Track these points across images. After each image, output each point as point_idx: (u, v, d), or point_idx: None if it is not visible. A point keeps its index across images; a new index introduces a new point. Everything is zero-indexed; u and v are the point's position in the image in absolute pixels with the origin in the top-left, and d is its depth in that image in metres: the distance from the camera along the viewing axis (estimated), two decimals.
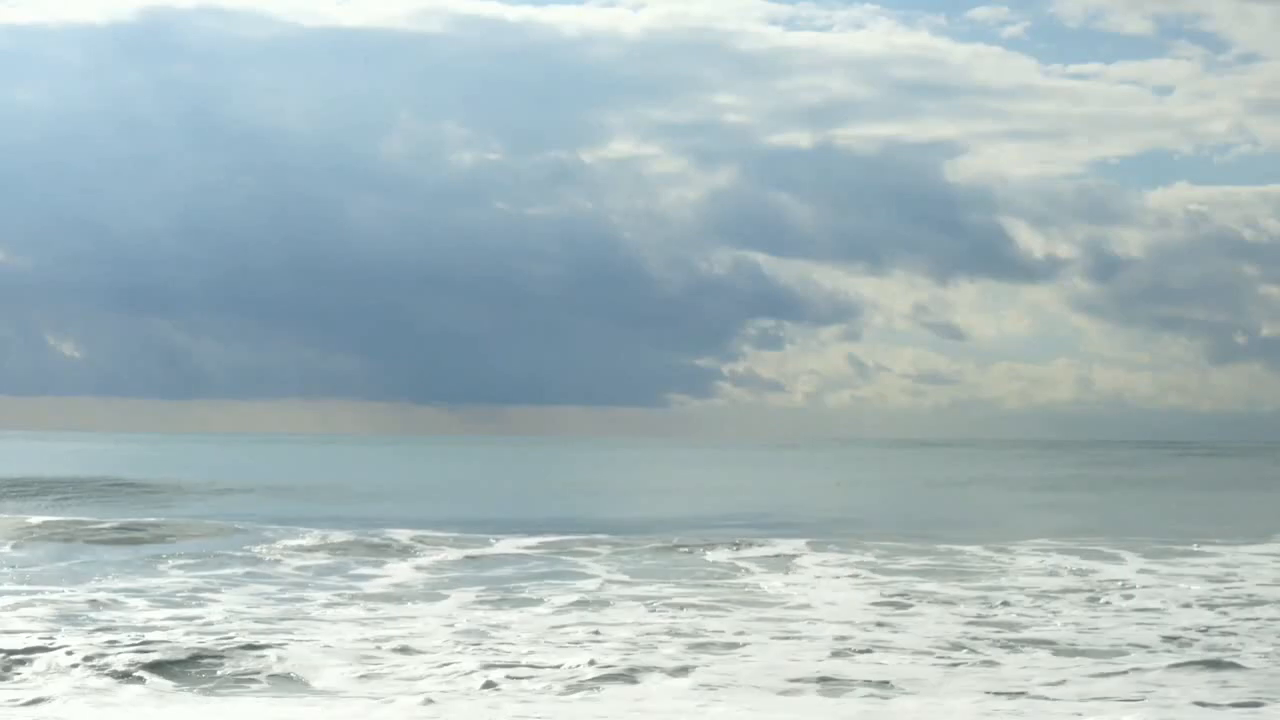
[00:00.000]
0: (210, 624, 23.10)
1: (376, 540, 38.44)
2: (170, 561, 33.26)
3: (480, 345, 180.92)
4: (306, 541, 38.27)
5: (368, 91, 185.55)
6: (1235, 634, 22.84)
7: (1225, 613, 25.44)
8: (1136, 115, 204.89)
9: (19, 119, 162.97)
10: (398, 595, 27.69)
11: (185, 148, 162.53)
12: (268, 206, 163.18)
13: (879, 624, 23.70)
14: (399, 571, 32.02)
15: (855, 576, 31.24)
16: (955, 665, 19.96)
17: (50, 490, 64.29)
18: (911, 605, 26.14)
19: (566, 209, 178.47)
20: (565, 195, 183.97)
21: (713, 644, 21.48)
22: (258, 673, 19.20)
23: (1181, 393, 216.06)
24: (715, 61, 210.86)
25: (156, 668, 19.19)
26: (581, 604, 26.18)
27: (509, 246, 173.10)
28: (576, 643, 21.44)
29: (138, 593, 27.24)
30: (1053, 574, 31.74)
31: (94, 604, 25.43)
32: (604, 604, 26.18)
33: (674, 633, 22.48)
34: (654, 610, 25.23)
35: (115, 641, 20.87)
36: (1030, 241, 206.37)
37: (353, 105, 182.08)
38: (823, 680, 18.74)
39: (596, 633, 22.39)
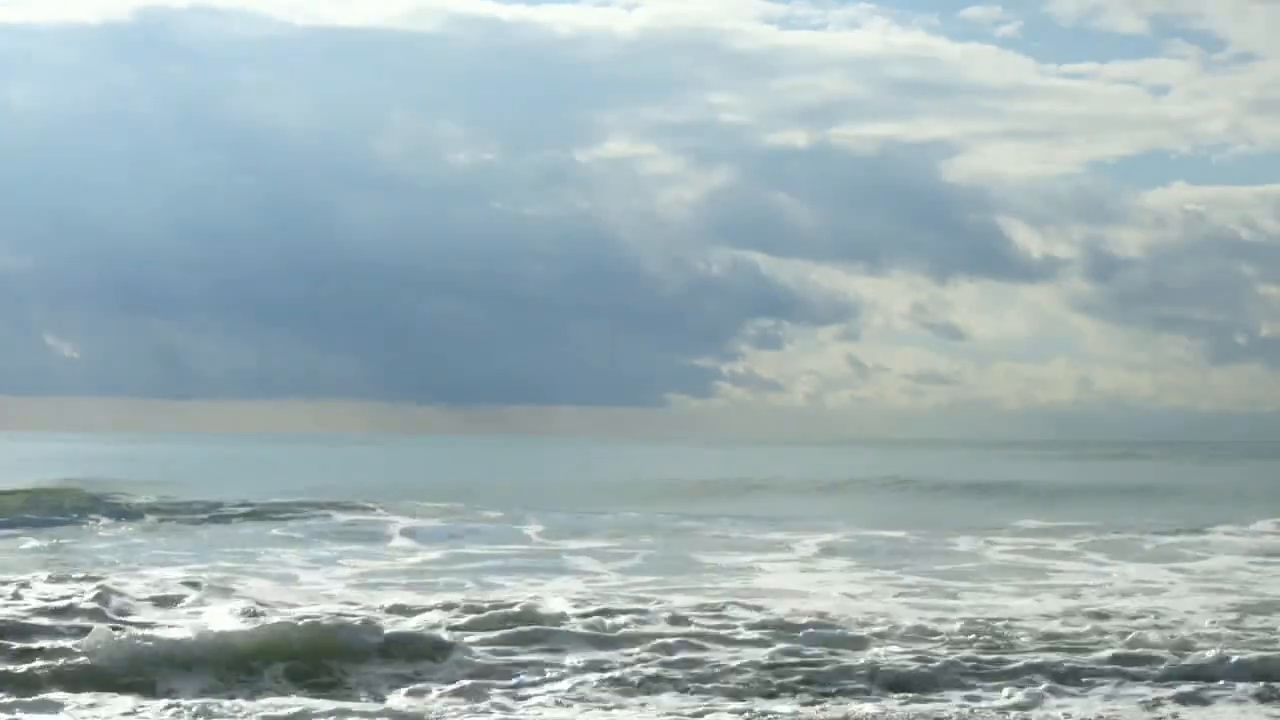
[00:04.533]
0: None
1: None
2: None
3: (480, 345, 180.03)
4: None
5: (363, 91, 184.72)
6: None
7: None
8: (1133, 115, 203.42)
9: (14, 119, 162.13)
10: None
11: (181, 147, 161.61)
12: (264, 206, 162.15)
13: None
14: None
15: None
16: None
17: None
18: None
19: (563, 209, 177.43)
20: (561, 195, 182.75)
21: None
22: None
23: (1181, 393, 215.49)
24: (710, 61, 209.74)
25: None
26: None
27: (506, 246, 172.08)
28: None
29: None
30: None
31: None
32: None
33: None
34: None
35: None
36: (1028, 241, 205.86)
37: (348, 104, 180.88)
38: None
39: None
